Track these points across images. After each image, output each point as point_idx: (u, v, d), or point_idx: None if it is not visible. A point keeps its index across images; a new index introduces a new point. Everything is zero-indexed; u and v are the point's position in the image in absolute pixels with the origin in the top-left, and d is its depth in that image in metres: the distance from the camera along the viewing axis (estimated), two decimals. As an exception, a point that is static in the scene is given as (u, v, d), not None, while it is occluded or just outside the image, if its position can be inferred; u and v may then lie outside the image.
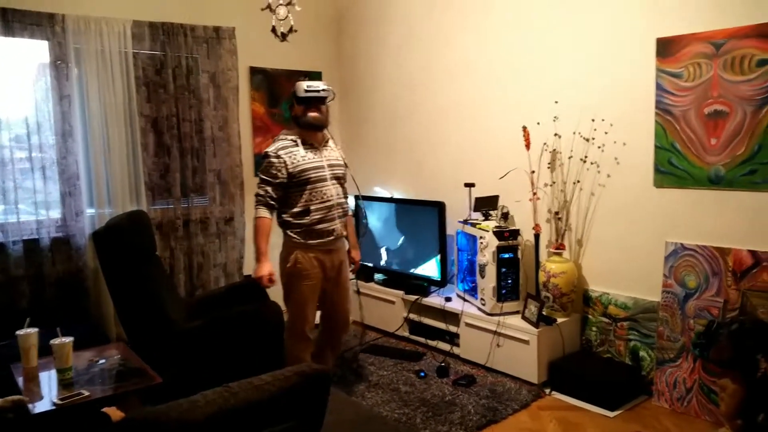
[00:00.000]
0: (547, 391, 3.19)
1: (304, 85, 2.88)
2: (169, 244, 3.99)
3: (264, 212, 2.86)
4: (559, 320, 3.31)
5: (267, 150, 2.89)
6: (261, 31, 3.53)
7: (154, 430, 1.28)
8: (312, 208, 2.87)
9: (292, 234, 2.90)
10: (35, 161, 3.49)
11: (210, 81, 4.10)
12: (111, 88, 3.69)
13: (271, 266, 2.88)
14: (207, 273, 4.15)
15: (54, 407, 2.14)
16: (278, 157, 2.84)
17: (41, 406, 2.16)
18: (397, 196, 4.51)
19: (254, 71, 4.44)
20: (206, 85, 4.09)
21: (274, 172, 2.84)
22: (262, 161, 2.92)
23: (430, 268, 3.93)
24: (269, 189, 2.85)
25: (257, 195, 2.87)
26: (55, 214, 3.61)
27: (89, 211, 3.70)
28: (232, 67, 4.18)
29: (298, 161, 2.85)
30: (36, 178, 3.50)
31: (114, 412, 1.77)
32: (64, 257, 3.61)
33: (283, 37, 3.12)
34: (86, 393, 2.22)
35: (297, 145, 2.88)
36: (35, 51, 3.49)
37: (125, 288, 3.01)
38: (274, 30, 3.10)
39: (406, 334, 4.00)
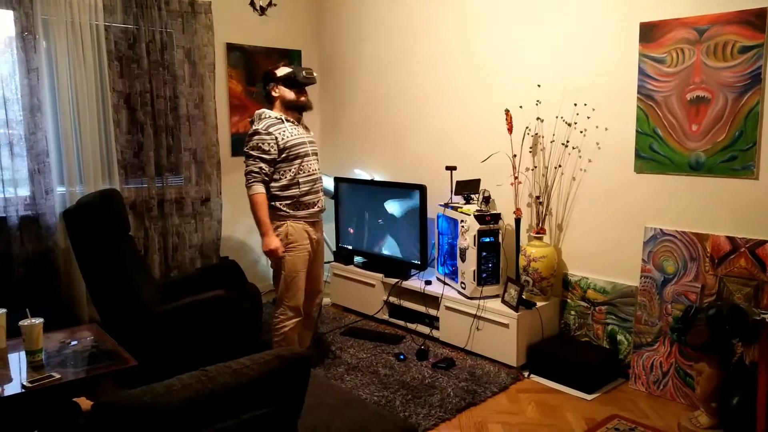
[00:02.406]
0: (526, 374, 3.21)
1: (302, 71, 3.02)
2: (144, 224, 3.90)
3: (261, 188, 2.90)
4: (539, 304, 3.32)
5: (256, 128, 2.92)
6: (238, 6, 3.44)
7: (128, 415, 1.23)
8: (300, 180, 2.97)
9: (280, 206, 2.95)
10: (2, 137, 3.35)
11: (185, 57, 3.98)
12: (82, 62, 3.56)
13: (278, 238, 2.92)
14: (182, 254, 4.07)
15: (23, 390, 2.07)
16: (269, 133, 2.91)
17: (10, 389, 2.09)
18: (377, 178, 4.46)
19: (231, 48, 4.32)
20: (181, 61, 3.97)
21: (267, 148, 2.89)
22: (248, 140, 2.94)
23: (410, 252, 3.90)
24: (263, 165, 2.89)
25: (251, 172, 2.89)
26: (24, 191, 3.48)
27: (60, 189, 3.58)
28: (208, 42, 4.06)
29: (287, 137, 2.94)
30: (3, 155, 3.36)
31: (84, 402, 1.71)
32: (33, 236, 3.49)
33: (262, 10, 3.05)
34: (57, 375, 2.15)
35: (282, 122, 2.98)
36: (0, 22, 3.34)
37: (97, 268, 2.93)
38: (252, 3, 3.01)
39: (386, 317, 3.98)
